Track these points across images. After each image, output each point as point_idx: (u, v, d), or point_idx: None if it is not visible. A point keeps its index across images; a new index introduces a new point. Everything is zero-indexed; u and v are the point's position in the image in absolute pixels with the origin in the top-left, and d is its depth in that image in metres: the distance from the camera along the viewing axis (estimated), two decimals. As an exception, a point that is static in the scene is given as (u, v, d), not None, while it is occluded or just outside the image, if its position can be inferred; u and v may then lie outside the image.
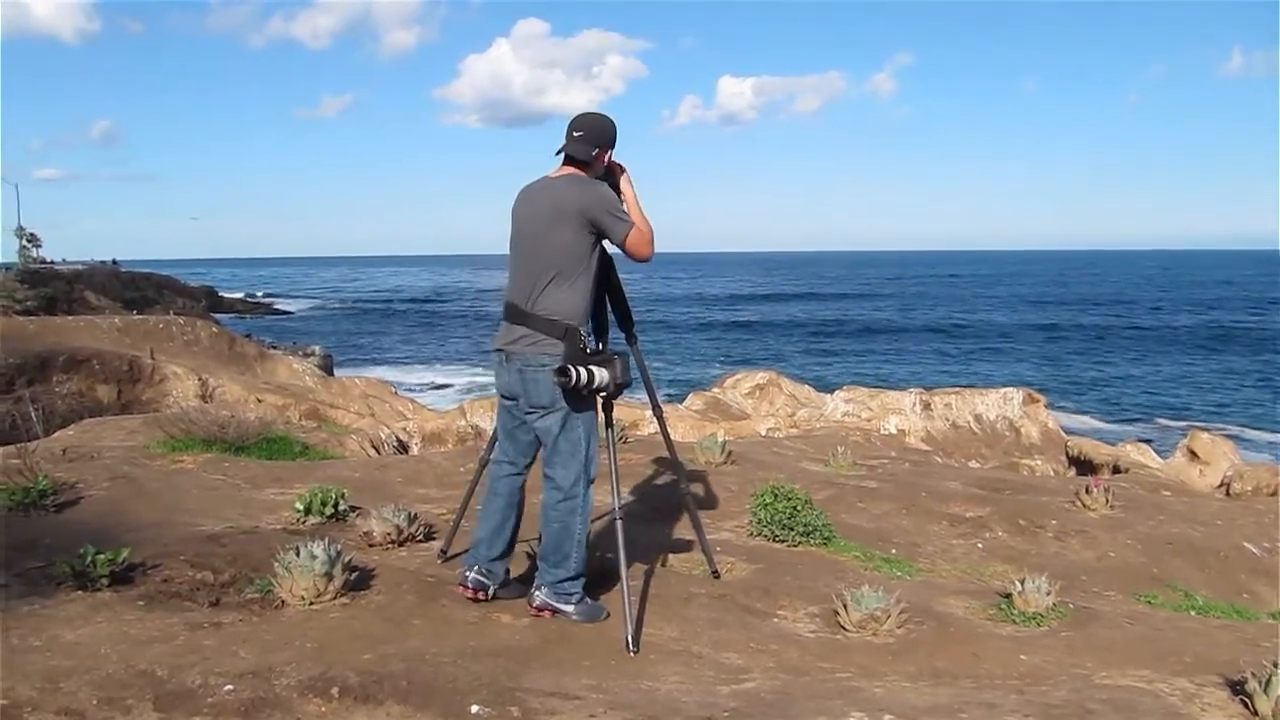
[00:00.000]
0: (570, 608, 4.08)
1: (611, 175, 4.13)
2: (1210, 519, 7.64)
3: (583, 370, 3.79)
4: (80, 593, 4.07)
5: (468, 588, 4.24)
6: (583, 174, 3.99)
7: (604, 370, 3.86)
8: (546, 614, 4.08)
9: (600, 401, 4.12)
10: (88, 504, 5.65)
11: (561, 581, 4.06)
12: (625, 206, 4.04)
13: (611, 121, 4.08)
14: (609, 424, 4.29)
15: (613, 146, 4.08)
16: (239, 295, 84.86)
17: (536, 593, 4.11)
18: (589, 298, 3.99)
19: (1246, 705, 3.57)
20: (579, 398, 3.91)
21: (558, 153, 4.03)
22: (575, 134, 3.99)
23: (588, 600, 4.16)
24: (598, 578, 4.51)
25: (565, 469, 3.99)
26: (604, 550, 4.59)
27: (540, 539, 4.13)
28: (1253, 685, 3.55)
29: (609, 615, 4.14)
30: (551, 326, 3.89)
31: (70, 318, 24.64)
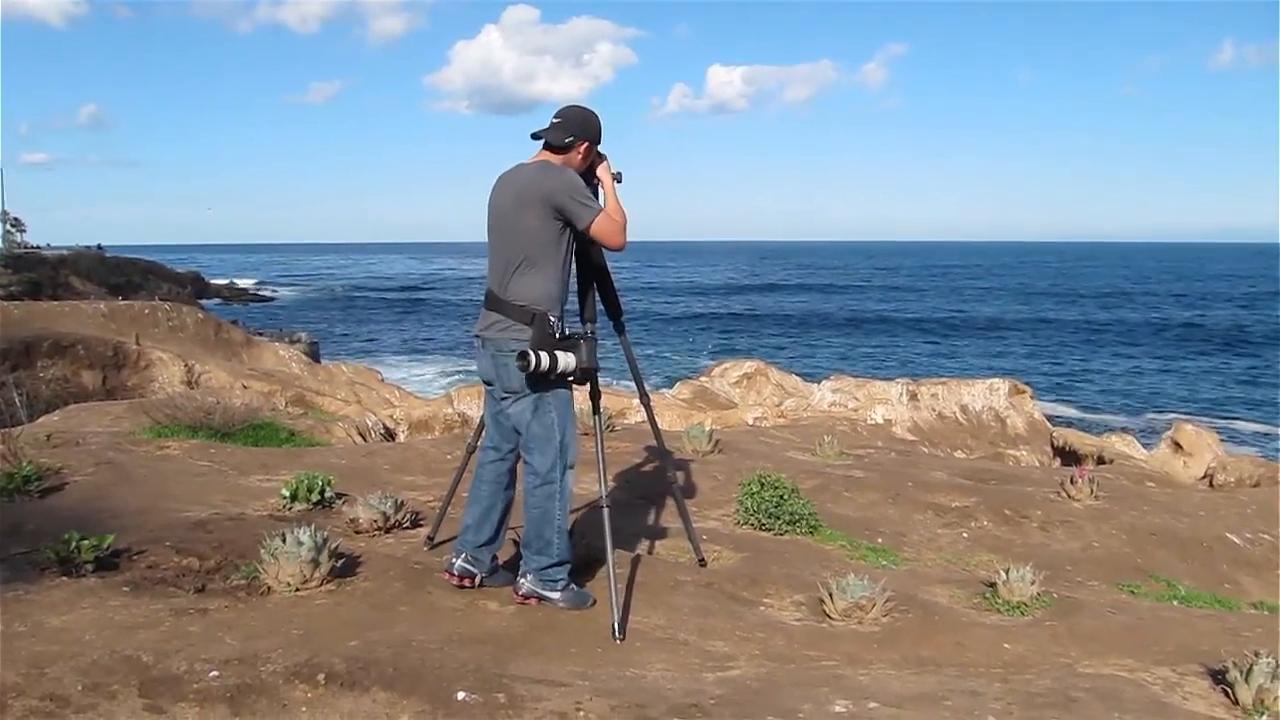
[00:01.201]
0: (556, 594, 4.08)
1: (590, 166, 4.12)
2: (1194, 510, 7.69)
3: (545, 355, 3.78)
4: (65, 579, 4.05)
5: (454, 575, 4.24)
6: (555, 161, 3.98)
7: (569, 355, 3.86)
8: (533, 601, 4.08)
9: (576, 388, 4.12)
10: (72, 490, 5.62)
11: (545, 568, 4.06)
12: (602, 193, 4.05)
13: (594, 114, 4.06)
14: (596, 411, 4.30)
15: (595, 141, 4.06)
16: (225, 281, 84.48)
17: (522, 580, 4.11)
18: (561, 284, 3.98)
19: (1228, 694, 3.60)
20: (548, 383, 3.92)
21: (534, 136, 4.01)
22: (554, 120, 4.00)
23: (573, 587, 4.16)
24: (584, 565, 4.52)
25: (541, 454, 3.99)
26: (590, 538, 4.60)
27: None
28: (1234, 674, 3.58)
29: (595, 602, 4.14)
30: (521, 313, 3.89)
31: (55, 303, 24.49)
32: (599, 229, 3.90)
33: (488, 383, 4.14)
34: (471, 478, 4.35)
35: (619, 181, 4.20)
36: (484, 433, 4.37)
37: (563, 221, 3.90)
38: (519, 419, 4.02)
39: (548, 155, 4.01)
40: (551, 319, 3.89)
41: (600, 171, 4.10)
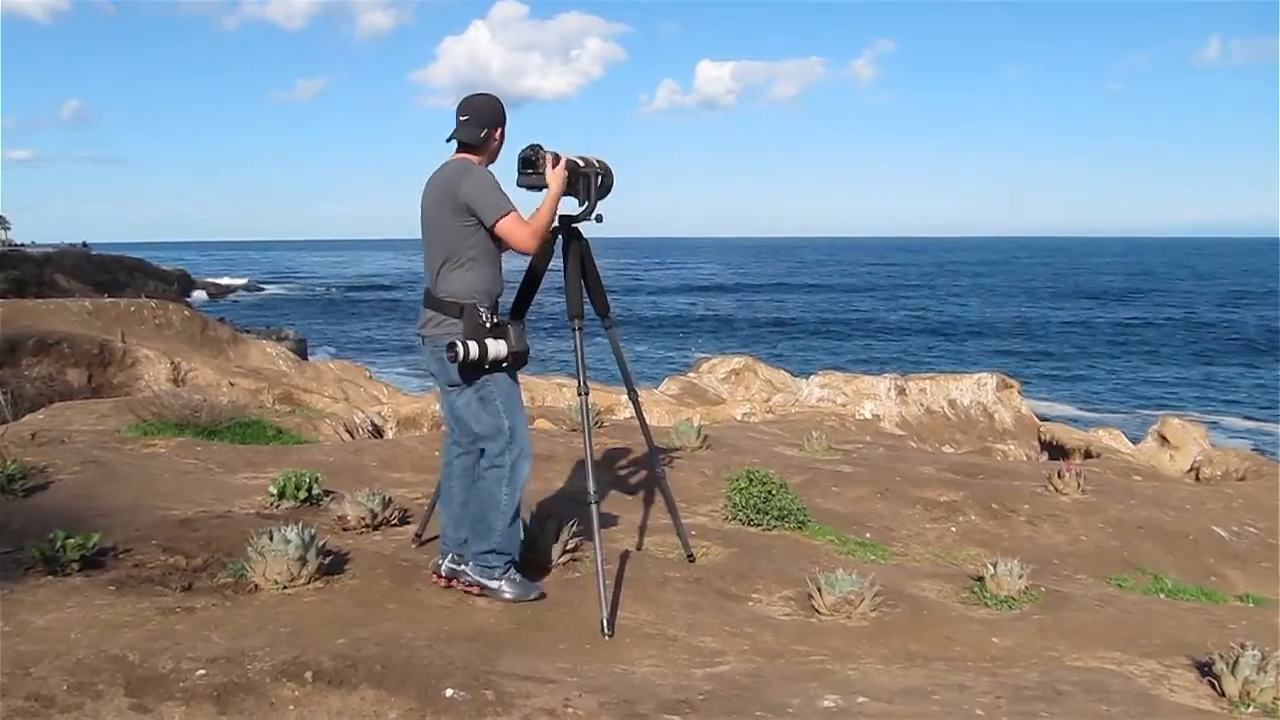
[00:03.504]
0: (493, 583, 4.06)
1: (538, 165, 4.08)
2: (1180, 503, 7.72)
3: (474, 345, 3.83)
4: (50, 578, 4.03)
5: (441, 577, 4.23)
6: (472, 158, 4.01)
7: (499, 342, 3.90)
8: (474, 590, 4.07)
9: (571, 389, 4.12)
10: (58, 488, 5.59)
11: (484, 553, 4.05)
12: (544, 196, 4.02)
13: (497, 99, 4.09)
14: (584, 407, 4.28)
15: (504, 123, 4.08)
16: (212, 279, 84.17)
17: (464, 568, 4.12)
18: (491, 277, 4.02)
19: (1214, 686, 3.62)
20: (485, 371, 3.95)
21: (449, 139, 4.02)
22: (462, 118, 3.99)
23: (515, 576, 4.12)
24: (572, 561, 4.52)
25: (492, 441, 4.02)
26: (579, 534, 4.60)
27: None
28: (1220, 666, 3.60)
29: (542, 596, 4.12)
30: (451, 307, 3.95)
31: (40, 301, 24.39)
32: (504, 228, 3.90)
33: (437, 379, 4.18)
34: (441, 473, 4.34)
35: (608, 186, 4.21)
36: (445, 430, 4.36)
37: (477, 219, 3.93)
38: (465, 411, 4.05)
39: (465, 155, 4.02)
40: (481, 310, 3.92)
41: (551, 177, 4.04)
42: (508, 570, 4.10)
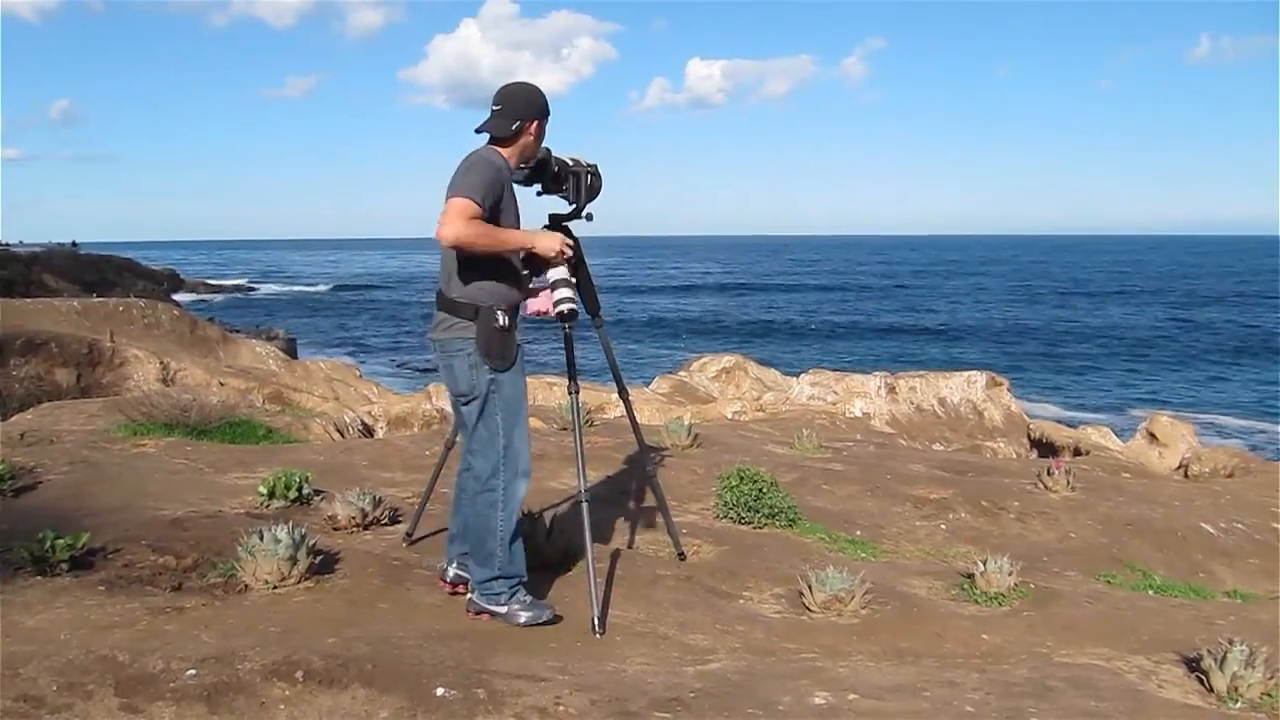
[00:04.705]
0: (500, 609, 3.87)
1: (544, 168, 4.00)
2: (1169, 500, 7.75)
3: (500, 314, 3.70)
4: (39, 578, 4.02)
5: (447, 583, 4.18)
6: (501, 150, 3.78)
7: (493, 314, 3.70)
8: (484, 617, 3.90)
9: (563, 389, 4.06)
10: (47, 488, 5.57)
11: (485, 581, 3.87)
12: (526, 235, 3.82)
13: (537, 89, 3.83)
14: (575, 406, 4.28)
15: (543, 115, 3.84)
16: (202, 278, 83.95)
17: (470, 596, 3.96)
18: (503, 275, 3.78)
19: (1202, 682, 3.64)
20: (499, 387, 3.76)
21: (478, 130, 3.78)
22: (494, 108, 3.75)
23: (523, 599, 3.91)
24: (563, 560, 4.52)
25: (484, 459, 3.82)
26: (570, 533, 4.60)
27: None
28: (1208, 662, 3.63)
29: (553, 617, 3.91)
30: (465, 309, 3.74)
31: (28, 300, 24.25)
32: (448, 205, 3.55)
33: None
34: (455, 484, 4.28)
35: (596, 187, 4.18)
36: (459, 440, 4.26)
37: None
38: (468, 419, 3.86)
39: (495, 148, 3.79)
40: (497, 312, 3.72)
41: (543, 240, 3.83)
42: (515, 594, 3.90)
